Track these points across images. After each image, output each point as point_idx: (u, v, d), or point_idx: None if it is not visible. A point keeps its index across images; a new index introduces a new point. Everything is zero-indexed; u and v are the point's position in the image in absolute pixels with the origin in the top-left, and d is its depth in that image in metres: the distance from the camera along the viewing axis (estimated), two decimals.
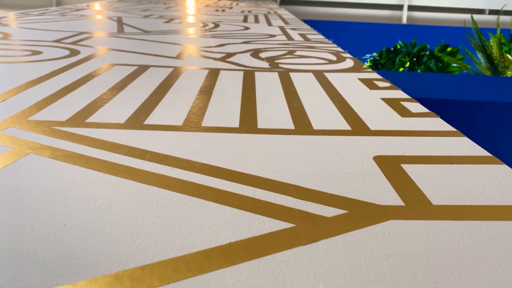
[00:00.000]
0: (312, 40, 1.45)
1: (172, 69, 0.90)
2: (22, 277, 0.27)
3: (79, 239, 0.31)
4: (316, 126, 0.58)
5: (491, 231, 0.34)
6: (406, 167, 0.45)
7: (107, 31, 1.52)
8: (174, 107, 0.64)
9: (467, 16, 4.21)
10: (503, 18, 4.21)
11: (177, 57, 1.05)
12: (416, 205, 0.37)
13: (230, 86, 0.78)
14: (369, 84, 0.82)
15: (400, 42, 3.94)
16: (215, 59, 1.04)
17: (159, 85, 0.76)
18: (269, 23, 2.04)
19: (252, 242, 0.31)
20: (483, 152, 0.50)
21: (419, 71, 3.72)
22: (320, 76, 0.88)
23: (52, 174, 0.41)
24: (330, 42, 1.40)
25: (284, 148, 0.50)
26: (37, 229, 0.32)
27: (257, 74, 0.88)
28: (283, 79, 0.85)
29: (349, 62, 1.05)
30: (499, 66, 3.20)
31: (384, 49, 3.94)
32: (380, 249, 0.31)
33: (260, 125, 0.57)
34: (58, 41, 1.22)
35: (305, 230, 0.33)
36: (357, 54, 3.74)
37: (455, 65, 3.54)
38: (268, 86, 0.79)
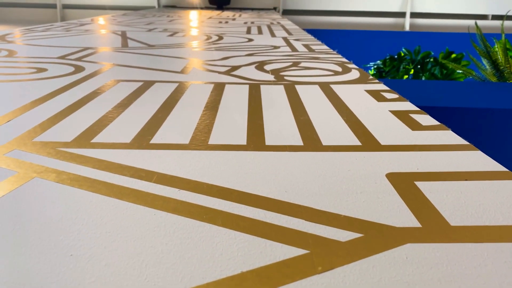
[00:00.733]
0: (316, 50, 1.44)
1: (177, 84, 0.90)
2: None
3: (86, 272, 0.30)
4: (325, 141, 0.56)
5: None
6: (420, 184, 0.44)
7: (112, 46, 1.53)
8: (180, 124, 0.63)
9: (470, 22, 4.20)
10: (507, 23, 4.20)
11: (182, 71, 1.04)
12: (433, 227, 0.36)
13: (235, 100, 0.77)
14: (377, 96, 0.81)
15: (403, 49, 3.93)
16: (219, 72, 1.03)
17: (164, 102, 0.75)
18: (273, 34, 2.04)
19: (265, 272, 0.30)
20: (498, 167, 0.48)
21: (423, 78, 3.70)
22: (326, 88, 0.87)
23: (57, 200, 0.40)
24: (335, 52, 1.39)
25: (294, 165, 0.49)
26: (42, 260, 0.31)
27: (262, 87, 0.88)
28: (289, 92, 0.84)
29: (354, 73, 1.04)
30: (504, 72, 3.18)
31: (388, 57, 3.93)
32: (399, 276, 0.30)
33: (268, 141, 0.56)
34: (63, 57, 1.22)
35: (320, 256, 0.32)
36: (361, 62, 3.74)
37: (460, 71, 3.52)
38: (274, 99, 0.78)
